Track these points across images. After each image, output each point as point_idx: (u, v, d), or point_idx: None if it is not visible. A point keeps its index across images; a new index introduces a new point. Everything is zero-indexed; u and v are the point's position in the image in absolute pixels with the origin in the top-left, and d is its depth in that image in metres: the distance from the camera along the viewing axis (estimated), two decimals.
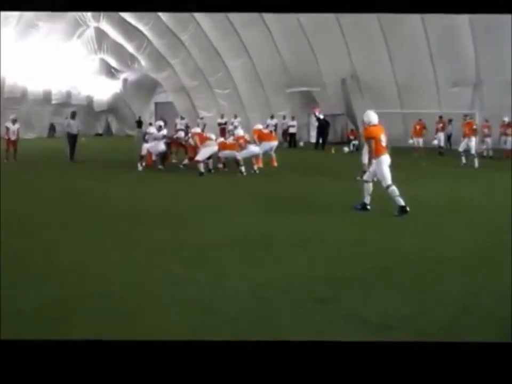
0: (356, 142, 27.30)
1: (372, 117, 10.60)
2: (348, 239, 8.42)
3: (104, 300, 5.54)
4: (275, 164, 18.93)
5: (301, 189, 14.08)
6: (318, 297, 5.62)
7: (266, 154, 18.75)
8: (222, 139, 19.07)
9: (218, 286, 6.00)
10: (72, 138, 21.51)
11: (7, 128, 21.34)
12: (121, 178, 16.66)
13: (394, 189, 10.05)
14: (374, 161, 10.41)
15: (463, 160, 19.65)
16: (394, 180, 10.23)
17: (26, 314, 5.11)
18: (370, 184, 10.55)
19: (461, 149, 20.02)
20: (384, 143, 10.37)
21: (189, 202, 12.07)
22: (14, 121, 21.61)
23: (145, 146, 18.58)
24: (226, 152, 17.53)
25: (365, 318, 5.05)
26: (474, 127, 20.18)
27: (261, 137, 18.93)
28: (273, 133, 22.93)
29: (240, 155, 17.20)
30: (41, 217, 10.16)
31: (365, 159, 12.62)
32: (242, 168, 16.92)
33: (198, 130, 19.37)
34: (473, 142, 19.72)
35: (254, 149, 17.86)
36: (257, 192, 13.53)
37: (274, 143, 19.50)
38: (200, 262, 7.05)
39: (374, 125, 10.52)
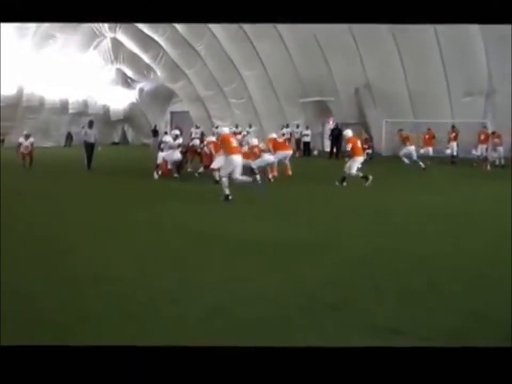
0: (369, 151, 27.23)
1: (223, 130, 14.41)
2: (359, 245, 8.50)
3: (117, 304, 5.58)
4: (289, 172, 18.97)
5: (314, 197, 14.26)
6: (328, 303, 5.63)
7: (280, 163, 18.84)
8: None
9: (230, 291, 6.00)
10: (90, 147, 21.69)
11: (20, 144, 21.76)
12: (138, 186, 16.85)
13: (224, 181, 12.92)
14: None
15: (406, 161, 22.68)
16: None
17: (38, 319, 5.13)
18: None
19: (401, 153, 23.31)
20: (235, 144, 13.51)
21: (202, 209, 12.30)
22: (27, 137, 21.87)
23: (161, 155, 18.74)
24: None
25: (374, 324, 5.07)
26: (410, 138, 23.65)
27: (276, 146, 18.85)
28: (288, 142, 23.01)
29: (254, 164, 17.32)
30: (60, 223, 10.34)
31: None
32: (257, 177, 17.07)
33: (213, 139, 19.57)
34: (410, 148, 22.96)
35: (268, 157, 17.89)
36: (271, 199, 13.71)
37: (289, 152, 19.50)
38: (212, 266, 7.09)
39: (224, 136, 13.69)
